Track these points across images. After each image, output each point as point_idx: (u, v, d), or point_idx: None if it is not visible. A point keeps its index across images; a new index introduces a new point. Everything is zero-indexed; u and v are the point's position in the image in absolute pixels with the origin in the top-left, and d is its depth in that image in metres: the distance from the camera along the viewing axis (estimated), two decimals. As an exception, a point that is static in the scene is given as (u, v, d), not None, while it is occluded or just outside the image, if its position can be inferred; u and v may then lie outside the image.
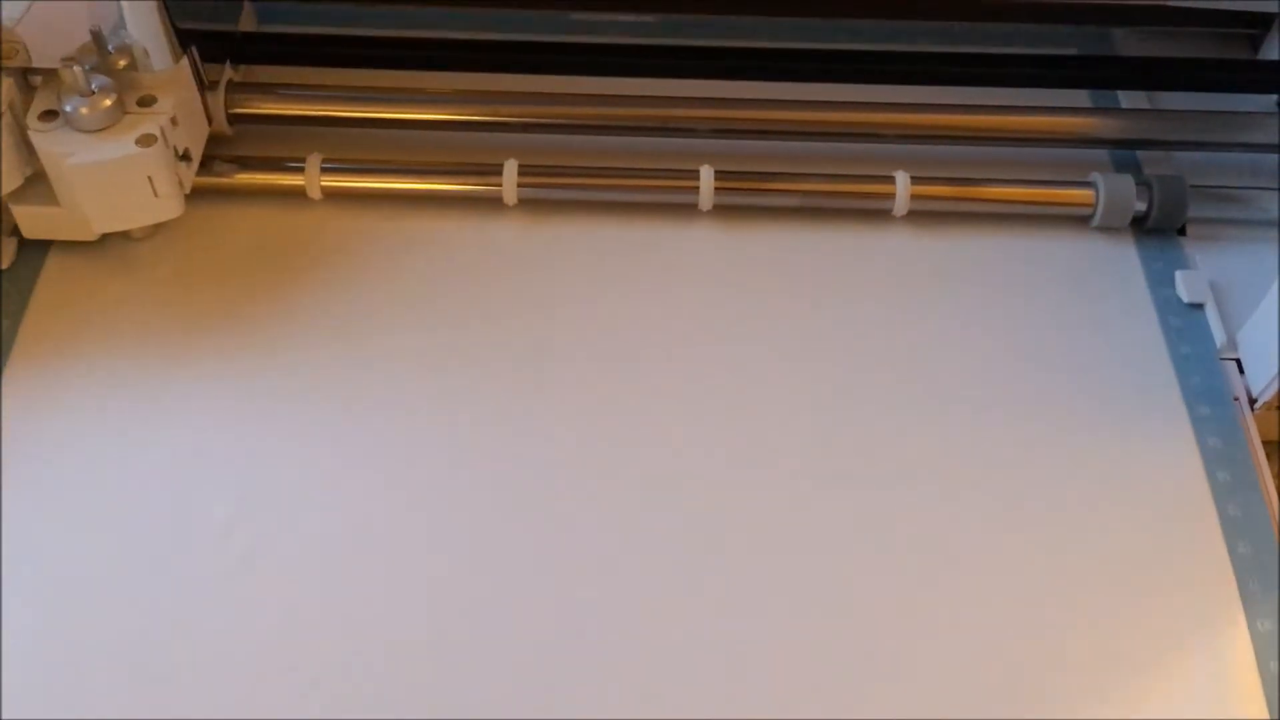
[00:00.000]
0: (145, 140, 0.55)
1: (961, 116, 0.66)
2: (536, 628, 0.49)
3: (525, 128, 0.66)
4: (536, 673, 0.48)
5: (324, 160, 0.63)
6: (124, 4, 0.55)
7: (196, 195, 0.61)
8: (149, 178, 0.56)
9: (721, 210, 0.64)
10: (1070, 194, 0.64)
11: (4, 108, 0.55)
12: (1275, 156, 0.66)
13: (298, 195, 0.63)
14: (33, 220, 0.59)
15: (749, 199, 0.64)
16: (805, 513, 0.53)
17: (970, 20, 0.73)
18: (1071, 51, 0.74)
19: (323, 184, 0.63)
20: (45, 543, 0.51)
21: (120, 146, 0.55)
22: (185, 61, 0.58)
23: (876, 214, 0.64)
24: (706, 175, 0.63)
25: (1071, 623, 0.50)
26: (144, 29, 0.56)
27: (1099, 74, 0.72)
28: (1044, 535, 0.52)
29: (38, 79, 0.57)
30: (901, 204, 0.63)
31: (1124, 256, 0.63)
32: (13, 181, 0.57)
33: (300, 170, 0.63)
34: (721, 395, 0.57)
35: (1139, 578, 0.51)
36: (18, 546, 0.51)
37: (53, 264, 0.61)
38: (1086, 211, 0.63)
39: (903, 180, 0.63)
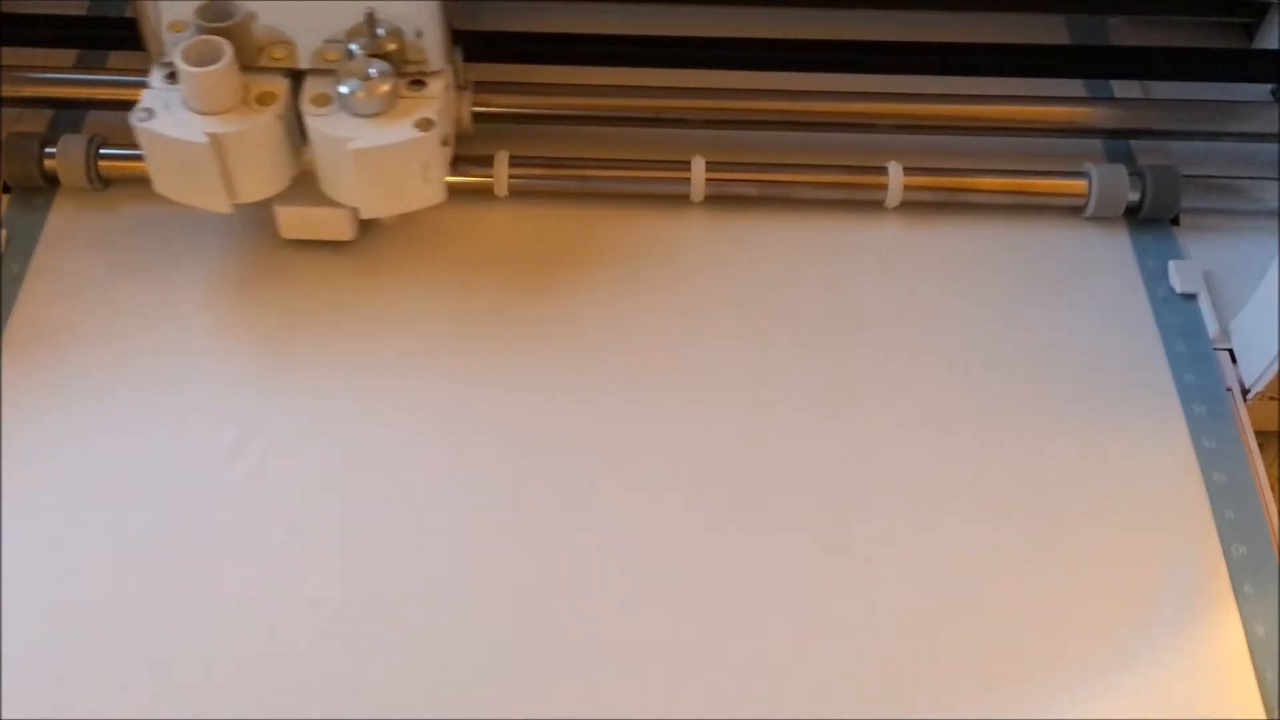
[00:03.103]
0: (423, 125, 0.54)
1: (954, 107, 0.66)
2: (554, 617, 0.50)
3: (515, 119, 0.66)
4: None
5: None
6: None
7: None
8: (424, 163, 0.55)
9: (713, 201, 0.63)
10: (1063, 184, 0.63)
11: (280, 113, 0.54)
12: (1270, 146, 0.66)
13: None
14: (293, 220, 0.59)
15: (740, 190, 0.64)
16: (796, 500, 0.53)
17: (963, 9, 0.73)
18: (1065, 41, 0.74)
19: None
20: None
21: (400, 130, 0.53)
22: None
23: (869, 205, 0.64)
24: (698, 166, 0.63)
25: (1066, 620, 0.50)
26: (425, 13, 0.55)
27: (1093, 63, 0.71)
28: (1034, 530, 0.52)
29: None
30: (894, 195, 0.63)
31: (1117, 247, 0.63)
32: (281, 183, 0.57)
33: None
34: (710, 385, 0.57)
35: (1132, 573, 0.51)
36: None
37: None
38: (1079, 202, 0.63)
39: (895, 171, 0.63)
